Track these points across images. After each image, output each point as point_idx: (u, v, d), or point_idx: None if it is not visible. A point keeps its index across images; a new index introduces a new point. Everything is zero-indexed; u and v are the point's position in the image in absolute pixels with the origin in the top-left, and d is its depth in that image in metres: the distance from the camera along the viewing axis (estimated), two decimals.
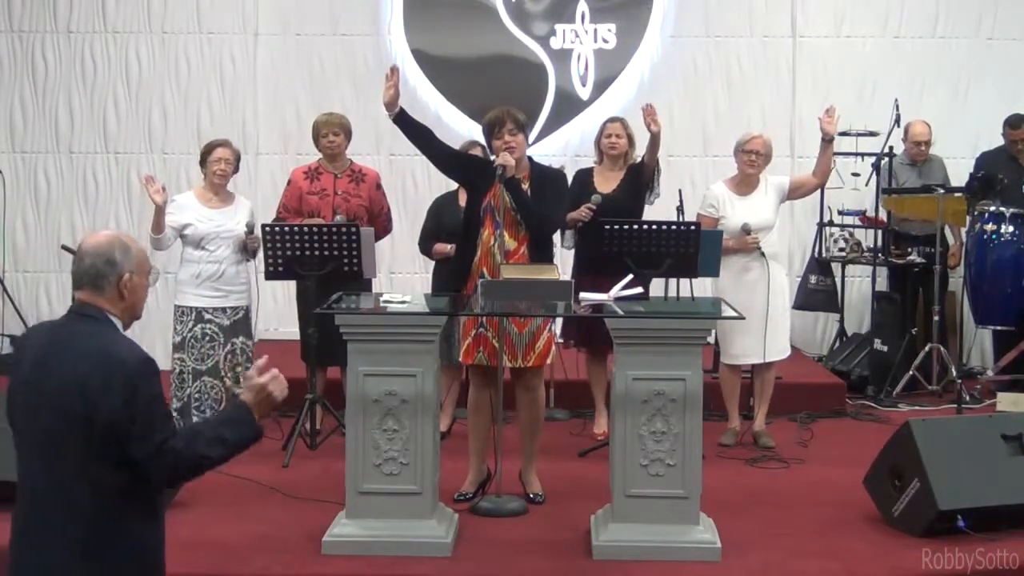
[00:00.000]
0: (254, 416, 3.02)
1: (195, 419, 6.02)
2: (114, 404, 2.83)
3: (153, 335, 7.67)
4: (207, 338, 6.14)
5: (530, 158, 5.38)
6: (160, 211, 6.06)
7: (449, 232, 6.41)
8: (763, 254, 6.17)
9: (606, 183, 6.33)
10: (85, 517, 2.87)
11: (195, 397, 6.10)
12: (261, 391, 3.04)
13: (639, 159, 6.36)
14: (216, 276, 6.13)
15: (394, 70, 5.26)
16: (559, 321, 6.37)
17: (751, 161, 6.22)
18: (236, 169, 6.34)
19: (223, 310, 6.16)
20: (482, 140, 6.79)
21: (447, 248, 6.37)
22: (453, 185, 6.35)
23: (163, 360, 6.80)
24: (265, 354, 3.19)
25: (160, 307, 7.46)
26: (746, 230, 6.15)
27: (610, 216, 5.83)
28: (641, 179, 6.29)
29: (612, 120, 6.50)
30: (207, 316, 6.13)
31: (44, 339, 2.98)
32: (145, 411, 2.86)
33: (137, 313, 3.05)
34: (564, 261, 6.50)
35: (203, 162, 6.27)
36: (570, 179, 6.26)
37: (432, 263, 6.71)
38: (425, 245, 6.61)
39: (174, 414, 5.74)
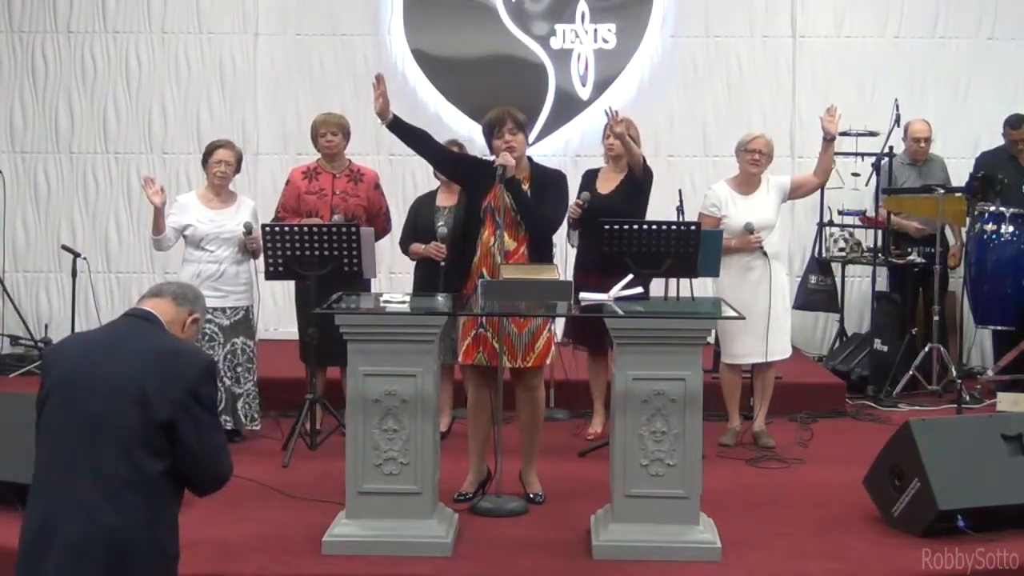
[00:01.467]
0: None
1: None
2: (178, 394, 2.90)
3: None
4: (207, 338, 6.14)
5: (530, 158, 5.38)
6: (159, 212, 6.07)
7: (424, 232, 6.40)
8: (765, 253, 6.17)
9: (607, 184, 6.33)
10: (116, 511, 2.90)
11: None
12: None
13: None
14: (216, 276, 6.15)
15: (380, 79, 5.23)
16: (560, 321, 6.38)
17: (754, 161, 6.22)
18: (238, 170, 6.36)
19: (223, 310, 6.17)
20: (462, 140, 6.83)
21: (422, 248, 6.37)
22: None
23: None
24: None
25: None
26: (749, 229, 6.14)
27: (605, 217, 5.82)
28: (636, 181, 6.27)
29: None
30: (207, 316, 6.12)
31: (97, 339, 3.05)
32: (205, 409, 2.97)
33: None
34: (565, 261, 6.50)
35: (204, 163, 6.30)
36: (576, 179, 6.28)
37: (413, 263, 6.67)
38: (403, 244, 6.60)
39: None
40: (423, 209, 6.52)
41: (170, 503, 3.02)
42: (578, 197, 6.15)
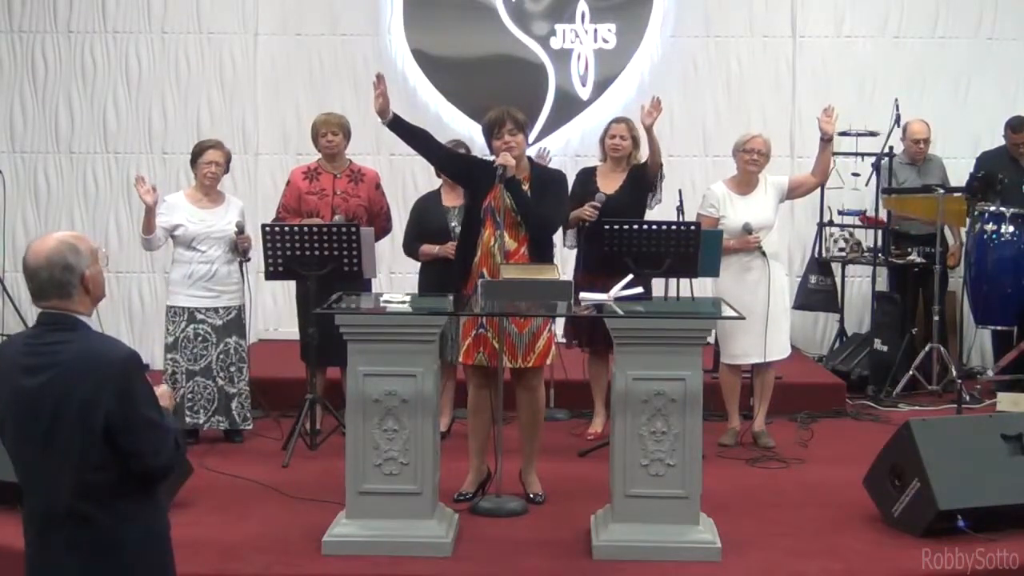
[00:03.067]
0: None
1: (188, 420, 6.03)
2: (111, 403, 2.85)
3: (153, 336, 7.69)
4: (199, 338, 6.14)
5: (530, 159, 5.38)
6: (150, 211, 6.07)
7: (432, 232, 6.38)
8: (763, 254, 6.17)
9: (609, 183, 6.31)
10: (89, 518, 2.89)
11: (188, 397, 6.11)
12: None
13: (643, 160, 6.34)
14: (208, 276, 6.15)
15: (380, 78, 5.24)
16: (560, 321, 6.38)
17: (752, 161, 6.22)
18: (226, 170, 6.36)
19: (215, 310, 6.17)
20: (466, 140, 6.82)
21: (435, 249, 6.35)
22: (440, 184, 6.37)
23: (157, 361, 6.87)
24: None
25: (158, 308, 7.46)
26: (747, 229, 6.14)
27: (610, 217, 5.82)
28: (643, 181, 6.27)
29: (617, 120, 6.47)
30: (199, 316, 6.14)
31: (23, 355, 2.96)
32: (138, 404, 2.90)
33: (102, 296, 3.06)
34: (565, 261, 6.50)
35: (194, 163, 6.29)
36: (572, 178, 6.28)
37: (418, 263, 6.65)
38: (410, 247, 6.55)
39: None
40: (431, 210, 6.48)
41: (139, 492, 2.97)
42: (594, 198, 6.13)
